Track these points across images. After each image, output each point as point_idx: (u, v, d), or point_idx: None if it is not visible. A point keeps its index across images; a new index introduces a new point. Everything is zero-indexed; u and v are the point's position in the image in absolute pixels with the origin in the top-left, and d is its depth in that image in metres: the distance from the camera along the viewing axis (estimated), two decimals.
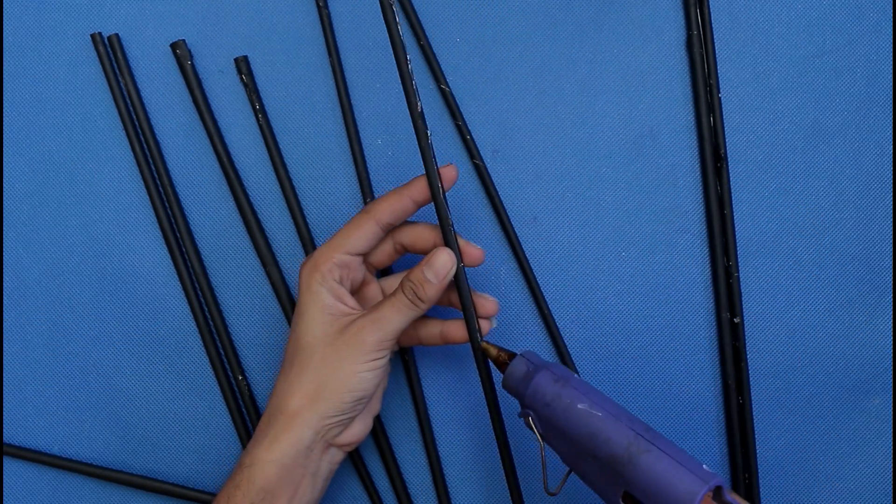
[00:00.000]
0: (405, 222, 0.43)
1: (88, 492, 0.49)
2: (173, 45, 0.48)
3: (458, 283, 0.41)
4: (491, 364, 0.42)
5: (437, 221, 0.41)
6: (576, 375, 0.38)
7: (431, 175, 0.40)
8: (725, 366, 0.46)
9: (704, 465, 0.34)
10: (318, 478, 0.41)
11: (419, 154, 0.48)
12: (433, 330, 0.44)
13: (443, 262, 0.40)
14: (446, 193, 0.41)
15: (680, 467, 0.34)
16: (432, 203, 0.41)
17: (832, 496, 0.47)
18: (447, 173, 0.41)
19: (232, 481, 0.40)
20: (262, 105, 0.48)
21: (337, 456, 0.42)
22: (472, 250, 0.41)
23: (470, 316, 0.41)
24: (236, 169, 0.49)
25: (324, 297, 0.41)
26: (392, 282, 0.45)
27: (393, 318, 0.40)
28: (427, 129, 0.40)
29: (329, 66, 0.48)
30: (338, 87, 0.48)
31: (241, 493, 0.39)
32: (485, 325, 0.42)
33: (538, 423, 0.38)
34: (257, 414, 0.48)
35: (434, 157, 0.40)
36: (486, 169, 0.47)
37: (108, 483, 0.49)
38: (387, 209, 0.41)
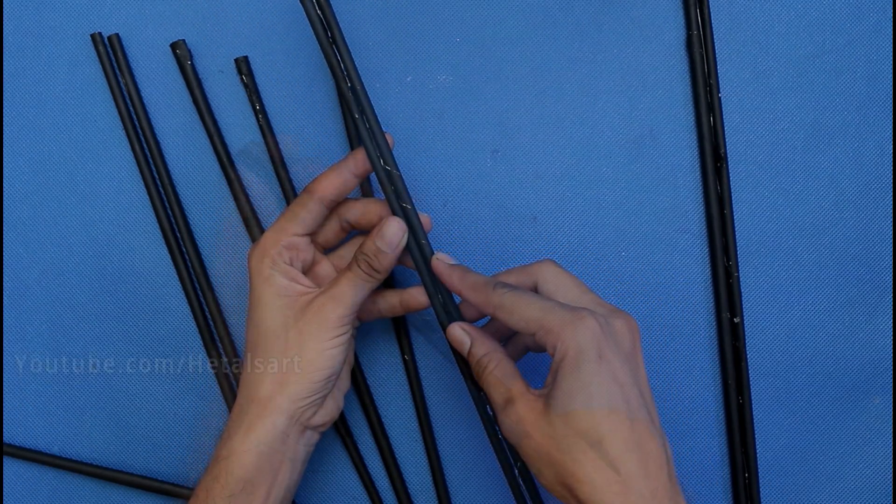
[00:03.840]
0: (350, 199, 0.43)
1: (88, 492, 0.49)
2: (173, 45, 0.48)
3: (412, 251, 0.41)
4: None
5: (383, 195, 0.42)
6: None
7: (368, 146, 0.41)
8: (725, 366, 0.47)
9: None
10: (297, 462, 0.41)
11: (418, 155, 0.48)
12: (392, 300, 0.44)
13: (394, 231, 0.40)
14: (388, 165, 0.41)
15: None
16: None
17: (832, 496, 0.47)
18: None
19: (209, 474, 0.40)
20: (262, 105, 0.48)
21: (312, 438, 0.42)
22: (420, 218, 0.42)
23: (428, 282, 0.42)
24: (236, 169, 0.49)
25: (277, 281, 0.41)
26: (343, 254, 0.45)
27: (350, 292, 0.40)
28: (363, 104, 0.41)
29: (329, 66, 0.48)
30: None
31: (219, 486, 0.39)
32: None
33: None
34: None
35: (372, 130, 0.41)
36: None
37: (108, 483, 0.49)
38: (328, 186, 0.41)
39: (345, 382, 0.43)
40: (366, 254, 0.40)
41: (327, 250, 0.45)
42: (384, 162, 0.41)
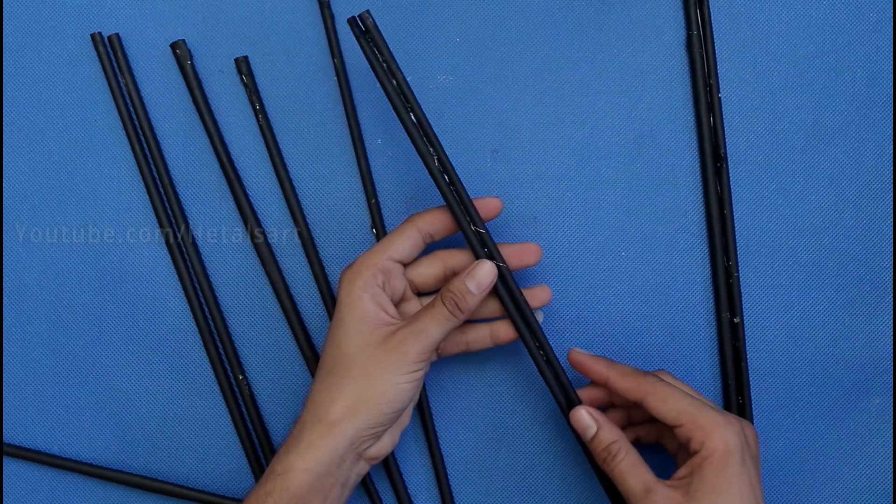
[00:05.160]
0: (455, 248, 0.44)
1: (88, 492, 0.49)
2: (173, 45, 0.48)
3: (507, 287, 0.42)
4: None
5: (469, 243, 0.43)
6: None
7: (456, 212, 0.42)
8: (725, 366, 0.46)
9: None
10: (346, 488, 0.41)
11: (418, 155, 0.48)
12: (482, 332, 0.44)
13: (485, 273, 0.40)
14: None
15: None
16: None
17: (832, 496, 0.47)
18: (489, 204, 0.43)
19: (262, 488, 0.39)
20: (262, 105, 0.48)
21: (364, 469, 0.42)
22: (529, 247, 0.43)
23: (517, 314, 0.43)
24: (236, 169, 0.49)
25: (365, 304, 0.40)
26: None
27: (433, 330, 0.40)
28: (451, 173, 0.42)
29: (329, 66, 0.48)
30: (340, 86, 0.48)
31: (272, 501, 0.39)
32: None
33: None
34: (258, 414, 0.48)
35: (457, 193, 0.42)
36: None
37: (108, 483, 0.49)
38: (429, 218, 0.42)
39: (405, 419, 0.43)
40: (453, 292, 0.40)
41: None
42: (474, 225, 0.42)
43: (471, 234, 0.42)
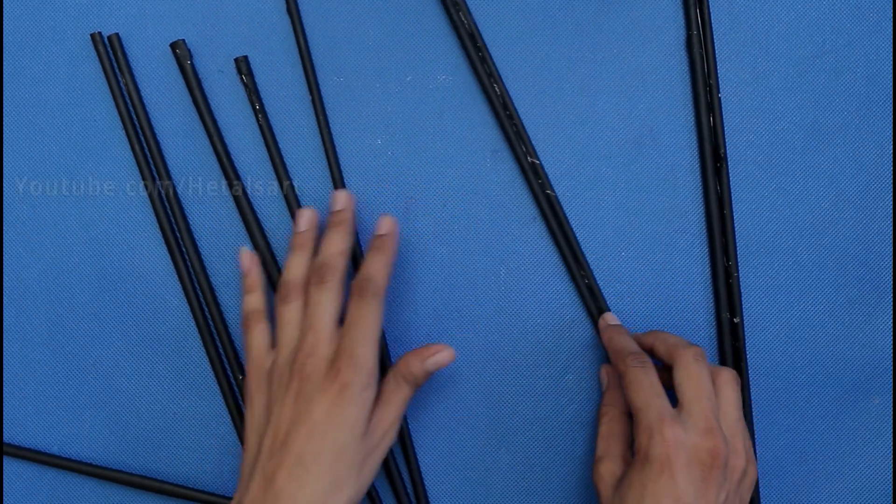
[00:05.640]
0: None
1: (88, 492, 0.49)
2: (173, 45, 0.48)
3: (556, 216, 0.47)
4: None
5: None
6: None
7: (515, 146, 0.47)
8: (725, 366, 0.46)
9: None
10: None
11: (418, 154, 0.48)
12: None
13: (446, 360, 0.43)
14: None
15: None
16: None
17: (832, 496, 0.47)
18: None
19: None
20: (262, 105, 0.48)
21: None
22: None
23: (563, 239, 0.47)
24: (236, 169, 0.49)
25: (369, 404, 0.40)
26: None
27: (404, 408, 0.42)
28: (512, 111, 0.46)
29: (329, 66, 0.48)
30: (310, 87, 0.48)
31: None
32: None
33: None
34: None
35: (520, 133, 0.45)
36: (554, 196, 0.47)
37: (108, 483, 0.49)
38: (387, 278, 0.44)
39: None
40: (416, 374, 0.42)
41: None
42: (529, 156, 0.46)
43: (527, 165, 0.46)
